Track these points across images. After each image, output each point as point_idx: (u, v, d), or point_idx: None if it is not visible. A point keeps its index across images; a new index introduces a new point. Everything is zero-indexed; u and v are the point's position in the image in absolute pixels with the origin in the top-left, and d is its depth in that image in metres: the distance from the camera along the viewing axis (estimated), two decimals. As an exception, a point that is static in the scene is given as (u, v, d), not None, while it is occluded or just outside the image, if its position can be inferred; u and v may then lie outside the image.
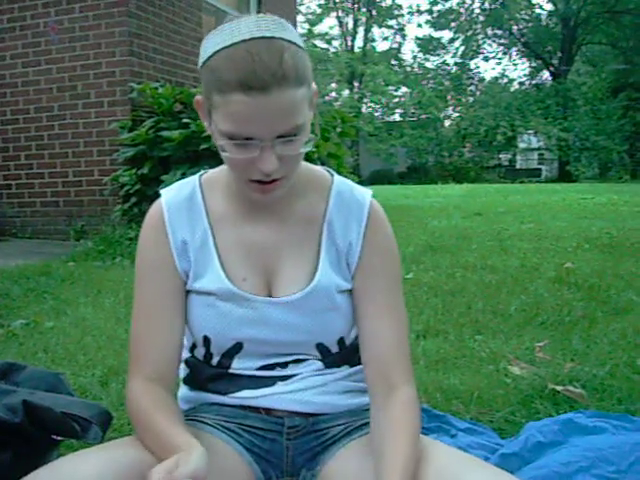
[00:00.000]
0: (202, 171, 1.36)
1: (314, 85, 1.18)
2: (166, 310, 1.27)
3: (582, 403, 2.07)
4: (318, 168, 1.37)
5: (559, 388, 2.14)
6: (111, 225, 6.02)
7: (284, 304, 1.27)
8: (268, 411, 1.34)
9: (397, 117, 35.94)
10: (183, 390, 1.44)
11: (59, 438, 1.71)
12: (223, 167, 1.30)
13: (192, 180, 1.33)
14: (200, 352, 1.35)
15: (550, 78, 34.28)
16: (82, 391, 2.25)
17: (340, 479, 1.27)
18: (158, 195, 1.34)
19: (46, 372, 1.84)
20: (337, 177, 1.34)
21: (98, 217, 6.42)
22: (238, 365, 1.32)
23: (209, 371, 1.35)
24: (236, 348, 1.30)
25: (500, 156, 34.10)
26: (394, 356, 1.27)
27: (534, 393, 2.14)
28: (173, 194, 1.30)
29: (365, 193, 1.32)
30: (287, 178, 1.18)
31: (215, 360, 1.33)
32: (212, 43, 1.11)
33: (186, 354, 1.41)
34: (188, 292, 1.30)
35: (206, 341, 1.31)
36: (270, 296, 1.27)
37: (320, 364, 1.34)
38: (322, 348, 1.32)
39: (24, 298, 3.88)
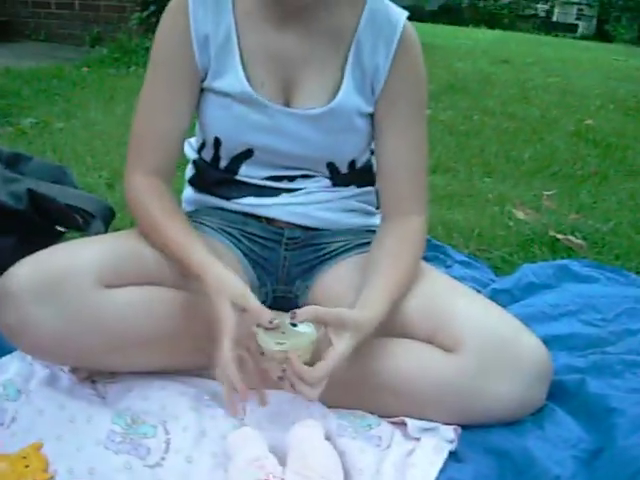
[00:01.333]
0: None
1: None
2: (174, 101, 1.24)
3: (580, 253, 2.08)
4: None
5: (560, 236, 2.15)
6: (128, 33, 5.85)
7: (302, 117, 1.24)
8: (270, 220, 1.35)
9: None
10: (188, 191, 1.44)
11: (62, 229, 1.74)
12: None
13: None
14: (209, 153, 1.34)
15: None
16: (88, 191, 2.25)
17: (331, 292, 1.31)
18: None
19: (52, 164, 1.85)
20: None
21: (115, 24, 6.22)
22: (246, 172, 1.31)
23: (216, 174, 1.35)
24: (246, 154, 1.29)
25: (537, 6, 32.56)
26: (410, 183, 1.27)
27: (535, 238, 2.15)
28: None
29: (400, 14, 1.26)
30: None
31: (223, 164, 1.32)
32: None
33: (193, 155, 1.41)
34: (204, 91, 1.27)
35: (217, 142, 1.29)
36: (288, 106, 1.24)
37: (328, 182, 1.33)
38: (332, 167, 1.31)
39: (35, 99, 3.85)
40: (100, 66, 5.09)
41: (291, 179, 1.32)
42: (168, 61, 1.24)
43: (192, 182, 1.43)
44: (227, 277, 1.09)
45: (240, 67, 1.22)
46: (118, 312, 1.10)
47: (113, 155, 2.73)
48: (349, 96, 1.24)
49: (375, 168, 1.39)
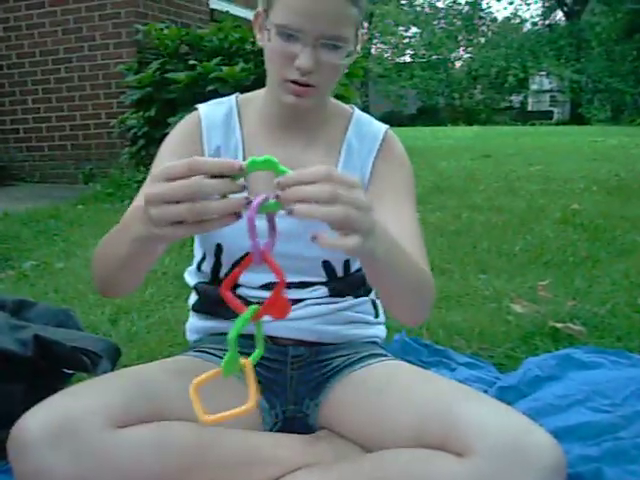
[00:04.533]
0: (237, 93, 1.44)
1: (364, 31, 1.31)
2: None
3: (581, 340, 2.10)
4: (342, 103, 1.46)
5: (559, 325, 2.17)
6: (119, 168, 6.03)
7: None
8: (273, 339, 1.37)
9: (407, 58, 35.45)
10: (191, 319, 1.49)
11: (70, 372, 1.76)
12: (258, 91, 1.40)
13: (228, 99, 1.41)
14: (209, 263, 1.40)
15: (563, 18, 33.59)
16: (92, 329, 2.30)
17: (340, 409, 1.32)
18: (164, 137, 1.39)
19: (56, 308, 1.89)
20: (358, 110, 1.44)
21: (106, 160, 6.42)
22: (244, 279, 1.34)
23: (216, 293, 1.38)
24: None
25: (511, 98, 33.65)
26: (410, 247, 1.24)
27: (535, 330, 2.18)
28: (211, 108, 1.38)
29: (382, 125, 1.43)
30: (320, 89, 1.24)
31: (224, 271, 1.38)
32: None
33: (194, 280, 1.46)
34: None
35: (218, 249, 1.36)
36: None
37: (325, 290, 1.37)
38: (328, 267, 1.36)
39: (34, 240, 3.93)
40: (95, 202, 5.22)
41: (288, 286, 1.34)
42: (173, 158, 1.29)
43: (195, 308, 1.47)
44: None
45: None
46: (130, 452, 1.11)
47: (114, 290, 2.78)
48: None
49: None
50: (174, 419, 1.18)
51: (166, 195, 0.89)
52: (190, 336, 1.49)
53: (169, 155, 1.33)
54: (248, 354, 1.34)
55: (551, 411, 1.59)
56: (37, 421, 1.08)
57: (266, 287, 1.35)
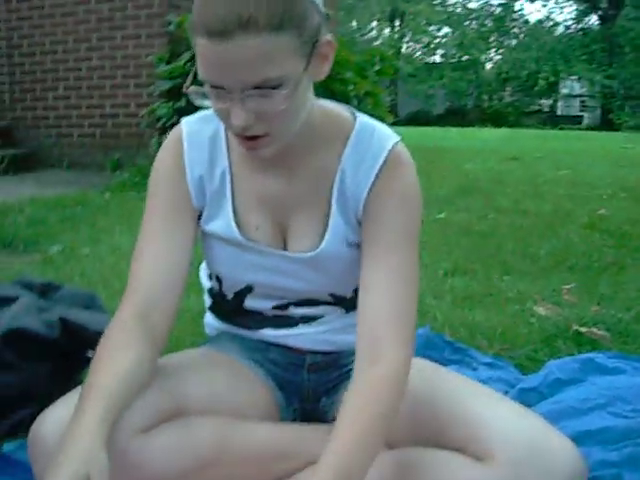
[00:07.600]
0: None
1: (328, 37, 1.05)
2: (172, 236, 1.22)
3: (605, 345, 2.08)
4: (340, 111, 1.23)
5: (583, 329, 2.16)
6: (147, 157, 6.07)
7: (296, 259, 1.23)
8: (291, 348, 1.35)
9: (437, 58, 35.32)
10: (208, 316, 1.46)
11: (92, 355, 1.78)
12: None
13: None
14: (215, 286, 1.37)
15: (597, 22, 33.23)
16: (116, 314, 2.32)
17: None
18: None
19: (82, 292, 1.90)
20: (360, 120, 1.21)
21: (134, 149, 6.46)
22: (251, 304, 1.32)
23: (228, 306, 1.36)
24: (247, 290, 1.30)
25: (541, 101, 33.37)
26: (386, 319, 1.14)
27: (557, 333, 2.16)
28: (196, 128, 1.23)
29: (388, 138, 1.19)
30: (274, 136, 1.06)
31: (229, 296, 1.34)
32: None
33: (208, 283, 1.42)
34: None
35: (218, 279, 1.33)
36: (284, 247, 1.25)
37: (340, 308, 1.32)
38: (336, 297, 1.30)
39: (60, 226, 3.97)
40: (122, 190, 5.26)
41: (296, 305, 1.31)
42: (165, 196, 1.24)
43: (212, 309, 1.44)
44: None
45: (231, 213, 1.23)
46: (156, 455, 1.08)
47: (139, 277, 2.79)
48: (337, 233, 1.21)
49: None
50: (193, 413, 1.16)
51: None
52: (208, 331, 1.47)
53: (159, 194, 1.24)
54: (257, 360, 1.34)
55: (572, 414, 1.58)
56: (55, 421, 1.06)
57: (277, 308, 1.32)
